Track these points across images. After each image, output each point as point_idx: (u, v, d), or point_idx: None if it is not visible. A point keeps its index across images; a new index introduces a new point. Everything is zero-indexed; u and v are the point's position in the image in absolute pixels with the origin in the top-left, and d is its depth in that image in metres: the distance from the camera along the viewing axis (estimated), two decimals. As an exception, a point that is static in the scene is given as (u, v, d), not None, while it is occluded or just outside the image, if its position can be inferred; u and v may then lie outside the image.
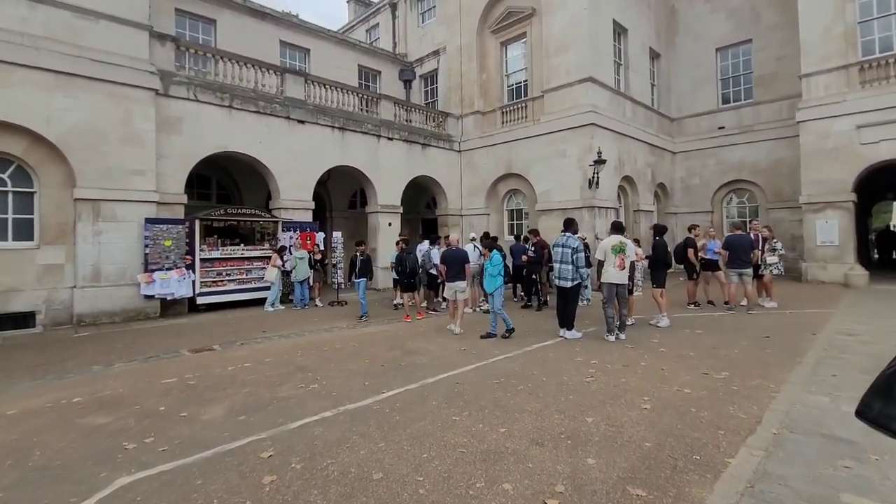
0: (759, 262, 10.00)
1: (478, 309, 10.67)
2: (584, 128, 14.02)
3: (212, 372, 6.02)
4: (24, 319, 9.04)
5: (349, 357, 6.64)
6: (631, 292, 8.11)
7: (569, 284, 7.42)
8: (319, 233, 13.38)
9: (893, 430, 1.30)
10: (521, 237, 12.47)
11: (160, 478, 3.25)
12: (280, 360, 6.54)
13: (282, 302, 11.92)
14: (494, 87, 17.32)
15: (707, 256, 10.25)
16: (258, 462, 3.44)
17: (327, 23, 21.60)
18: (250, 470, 3.32)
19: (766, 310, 9.73)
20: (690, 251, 9.91)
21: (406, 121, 16.59)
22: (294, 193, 13.12)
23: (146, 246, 10.24)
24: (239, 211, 12.58)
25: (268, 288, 11.75)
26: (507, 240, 15.75)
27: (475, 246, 10.52)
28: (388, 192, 15.57)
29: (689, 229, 10.58)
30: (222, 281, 11.78)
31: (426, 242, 11.55)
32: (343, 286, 12.99)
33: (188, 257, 10.89)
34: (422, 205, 20.52)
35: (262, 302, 11.75)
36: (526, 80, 16.35)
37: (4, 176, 9.11)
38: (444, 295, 10.14)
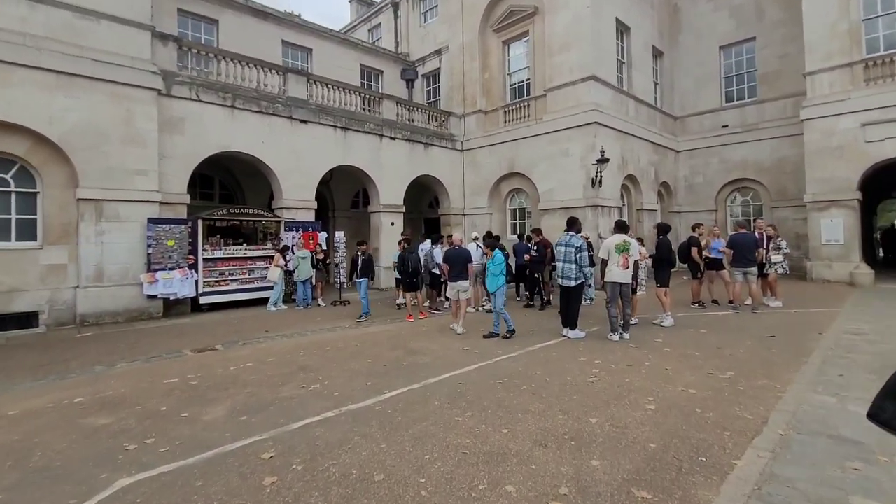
0: (764, 261, 9.92)
1: (480, 308, 10.64)
2: (587, 126, 13.96)
3: (214, 372, 6.01)
4: (27, 319, 9.06)
5: (351, 357, 6.62)
6: (634, 291, 8.05)
7: (572, 284, 7.38)
8: (322, 232, 13.37)
9: None
10: (525, 236, 12.42)
11: (160, 479, 3.23)
12: (282, 360, 6.52)
13: (284, 302, 11.91)
14: (497, 86, 17.27)
15: (711, 255, 10.19)
16: (259, 463, 3.41)
17: (329, 23, 21.62)
18: (251, 471, 3.30)
19: (770, 309, 9.66)
20: (694, 250, 9.84)
21: (408, 120, 16.56)
22: (296, 193, 13.12)
23: (149, 246, 10.24)
24: (241, 211, 12.58)
25: (270, 288, 11.75)
26: (509, 239, 15.71)
27: (478, 245, 10.49)
28: (390, 191, 15.55)
29: (693, 228, 10.51)
30: (225, 281, 11.78)
31: (428, 242, 11.52)
32: (345, 286, 12.97)
33: (191, 257, 10.89)
34: (424, 204, 20.49)
35: (264, 302, 11.75)
36: (528, 79, 16.29)
37: (7, 176, 9.12)
38: (447, 294, 10.11)
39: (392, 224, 15.51)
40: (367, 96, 15.59)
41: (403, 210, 16.08)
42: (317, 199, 13.83)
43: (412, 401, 4.69)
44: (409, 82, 20.50)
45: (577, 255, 7.30)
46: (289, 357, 6.71)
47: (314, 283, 12.21)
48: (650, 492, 2.92)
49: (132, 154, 10.07)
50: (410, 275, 9.86)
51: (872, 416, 1.33)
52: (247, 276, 12.14)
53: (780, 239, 10.28)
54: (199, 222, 11.27)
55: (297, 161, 13.04)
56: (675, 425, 3.93)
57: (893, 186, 19.43)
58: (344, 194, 18.54)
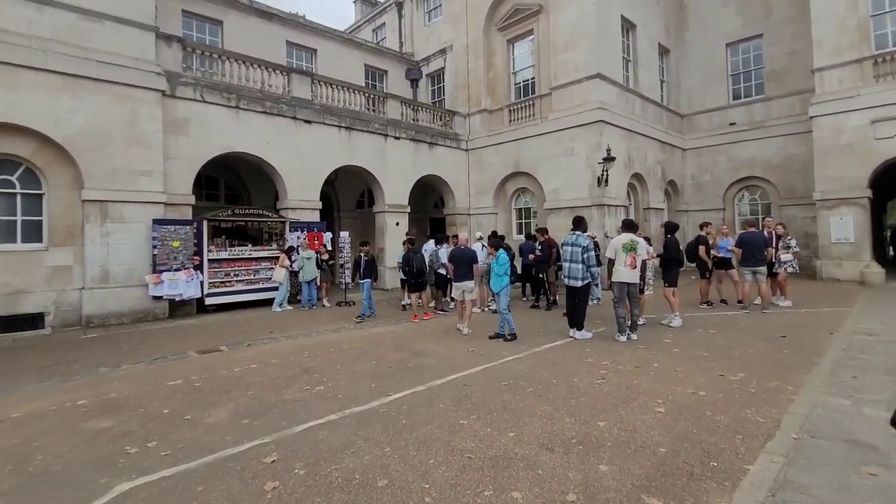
0: (774, 260, 9.78)
1: (486, 309, 10.57)
2: (593, 125, 13.84)
3: (218, 373, 5.97)
4: (33, 321, 9.08)
5: (356, 358, 6.56)
6: (642, 291, 7.95)
7: (579, 284, 7.28)
8: (327, 233, 13.34)
9: None
10: (530, 236, 12.33)
11: (161, 484, 3.18)
12: (286, 362, 6.48)
13: (289, 302, 11.89)
14: (501, 85, 17.18)
15: (720, 254, 10.05)
16: (261, 468, 3.36)
17: (334, 23, 21.59)
18: (253, 476, 3.24)
19: (780, 309, 9.51)
20: (701, 248, 9.71)
21: (413, 120, 16.50)
22: (301, 193, 13.09)
23: (154, 247, 10.24)
24: (246, 211, 12.57)
25: (276, 288, 11.73)
26: (515, 239, 15.63)
27: (483, 245, 10.41)
28: (395, 191, 15.50)
29: (701, 227, 10.38)
30: (230, 281, 11.77)
31: (431, 242, 11.47)
32: (350, 287, 12.93)
33: (196, 258, 10.89)
34: (430, 204, 20.43)
35: (270, 302, 11.73)
36: (533, 78, 16.19)
37: (13, 178, 9.15)
38: (452, 295, 10.04)
39: (397, 224, 15.46)
40: (372, 96, 15.55)
41: (408, 210, 16.03)
42: (321, 199, 13.80)
43: (416, 403, 4.62)
44: (414, 82, 20.45)
45: (584, 255, 7.20)
46: (293, 358, 6.67)
47: (319, 283, 12.18)
48: (661, 498, 2.84)
49: (137, 155, 10.08)
50: (415, 275, 9.80)
51: None
52: (252, 276, 12.13)
53: (789, 238, 10.13)
54: (205, 223, 11.27)
55: (301, 161, 13.02)
56: (686, 429, 3.84)
57: (904, 184, 19.14)
58: (349, 194, 18.52)
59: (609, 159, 13.18)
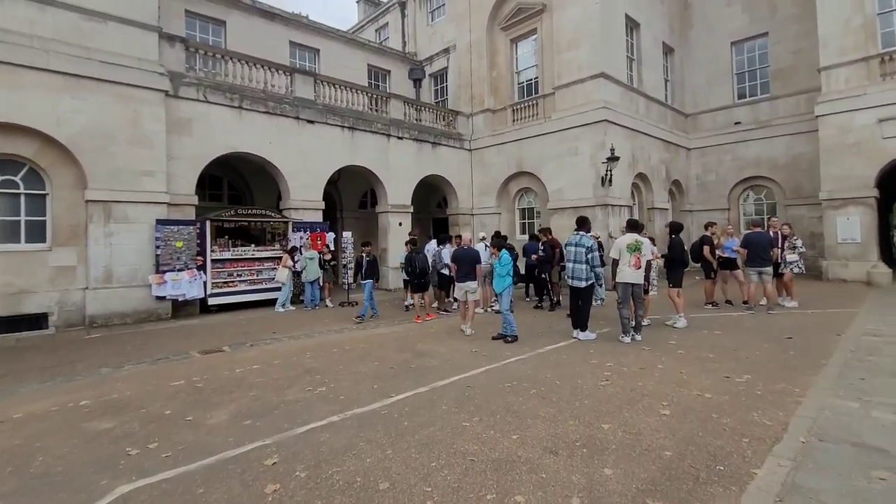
0: (780, 261, 9.70)
1: (489, 309, 10.52)
2: (597, 124, 13.77)
3: (220, 374, 5.96)
4: (36, 321, 9.09)
5: (358, 359, 6.54)
6: (646, 292, 7.89)
7: (583, 284, 7.23)
8: (330, 233, 13.33)
9: None
10: (534, 236, 12.27)
11: (161, 486, 3.16)
12: (288, 362, 6.45)
13: (292, 302, 11.88)
14: (505, 85, 17.13)
15: (725, 255, 9.97)
16: (262, 470, 3.33)
17: (337, 23, 21.57)
18: (253, 478, 3.22)
19: (786, 309, 9.43)
20: (706, 248, 9.63)
21: (416, 120, 16.47)
22: (304, 194, 13.08)
23: (157, 247, 10.25)
24: (249, 211, 12.57)
25: (278, 288, 11.72)
26: (518, 239, 15.58)
27: (486, 245, 10.37)
28: (398, 191, 15.47)
29: (706, 227, 10.31)
30: (233, 282, 11.77)
31: (433, 242, 11.44)
32: (352, 287, 12.91)
33: (199, 258, 10.89)
34: (433, 204, 20.40)
35: (272, 302, 11.72)
36: (536, 77, 16.13)
37: (17, 178, 9.17)
38: (455, 295, 10.00)
39: (400, 224, 15.43)
40: (375, 96, 15.53)
41: (411, 210, 16.00)
42: (324, 199, 13.79)
43: (419, 405, 4.59)
44: (417, 82, 20.41)
45: (589, 256, 7.14)
46: (295, 359, 6.65)
47: (322, 284, 12.17)
48: (666, 503, 2.79)
49: (140, 155, 10.08)
50: (418, 275, 9.76)
51: None
52: (255, 276, 12.13)
53: (795, 238, 10.03)
54: (208, 223, 11.27)
55: (304, 161, 13.01)
56: (691, 432, 3.79)
57: (912, 183, 18.97)
58: (352, 195, 18.51)
59: (613, 159, 13.12)
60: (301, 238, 12.50)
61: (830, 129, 13.50)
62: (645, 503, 2.80)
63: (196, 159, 11.15)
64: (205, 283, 10.99)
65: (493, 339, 7.49)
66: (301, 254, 11.92)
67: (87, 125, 9.44)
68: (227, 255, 11.73)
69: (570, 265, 7.39)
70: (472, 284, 8.22)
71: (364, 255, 10.69)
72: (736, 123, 17.44)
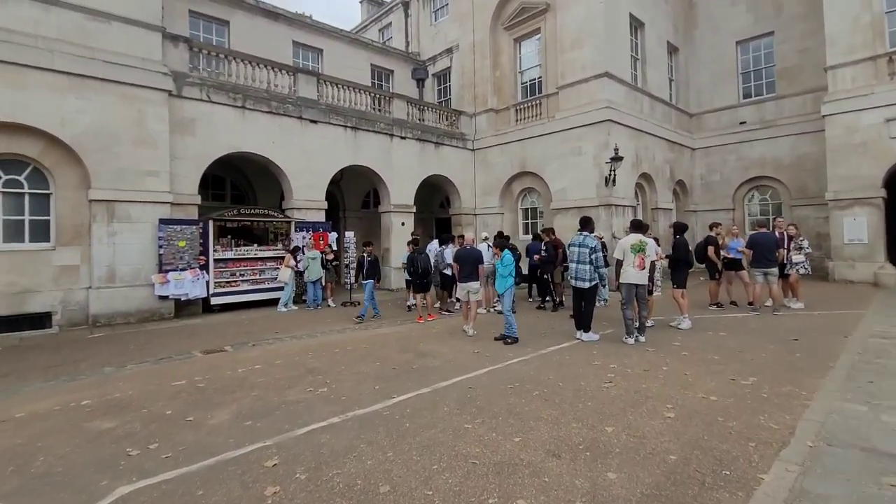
0: (785, 262, 9.61)
1: (492, 310, 10.48)
2: (601, 124, 13.70)
3: (222, 374, 5.95)
4: (40, 320, 9.12)
5: (360, 359, 6.51)
6: (650, 293, 7.82)
7: (586, 285, 7.17)
8: (332, 233, 13.32)
9: None
10: (537, 236, 12.22)
11: (161, 487, 3.14)
12: (290, 362, 6.44)
13: (295, 302, 11.87)
14: (508, 85, 17.08)
15: (730, 255, 9.89)
16: (262, 472, 3.31)
17: (340, 23, 21.56)
18: (253, 480, 3.19)
19: (792, 311, 9.34)
20: (710, 249, 9.56)
21: (419, 119, 16.45)
22: (307, 193, 13.08)
23: (160, 247, 10.26)
24: (252, 211, 12.57)
25: (281, 288, 11.72)
26: (521, 239, 15.53)
27: (488, 245, 10.33)
28: (401, 191, 15.45)
29: (711, 227, 10.24)
30: (236, 281, 11.77)
31: (435, 242, 11.40)
32: (355, 287, 12.90)
33: (202, 258, 10.89)
34: (435, 204, 20.37)
35: (275, 302, 11.72)
36: (540, 77, 16.07)
37: (21, 178, 9.19)
38: (457, 295, 9.96)
39: (403, 224, 15.40)
40: (378, 96, 15.51)
41: (414, 210, 15.98)
42: (327, 199, 13.77)
43: (421, 406, 4.55)
44: (420, 81, 20.39)
45: (592, 256, 7.09)
46: (297, 359, 6.63)
47: (324, 283, 12.16)
48: (671, 508, 2.75)
49: (143, 155, 10.10)
50: (420, 276, 9.73)
51: None
52: (257, 276, 12.13)
53: (801, 238, 9.95)
54: (210, 223, 11.28)
55: (307, 161, 13.00)
56: (697, 435, 3.74)
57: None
58: (354, 194, 18.50)
59: (617, 159, 13.05)
60: (304, 238, 12.49)
61: (837, 129, 13.38)
62: (649, 508, 2.76)
63: (199, 159, 11.16)
64: (207, 282, 10.99)
65: (496, 339, 7.45)
66: (303, 254, 11.91)
67: (91, 125, 9.46)
68: (229, 254, 11.73)
69: (573, 266, 7.34)
70: (474, 285, 8.18)
71: (365, 254, 10.67)
72: (741, 123, 17.33)
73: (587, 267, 7.13)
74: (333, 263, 12.84)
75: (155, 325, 9.66)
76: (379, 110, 15.27)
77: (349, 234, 13.56)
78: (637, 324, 7.18)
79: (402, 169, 15.43)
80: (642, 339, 7.10)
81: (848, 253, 13.19)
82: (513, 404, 4.53)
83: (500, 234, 11.73)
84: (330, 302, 12.23)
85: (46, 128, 9.03)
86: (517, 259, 8.32)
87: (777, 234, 9.81)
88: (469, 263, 8.20)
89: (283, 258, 11.92)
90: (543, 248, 10.66)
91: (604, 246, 9.67)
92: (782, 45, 16.40)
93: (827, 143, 13.62)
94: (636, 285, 7.13)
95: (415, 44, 21.39)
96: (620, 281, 7.26)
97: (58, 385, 5.72)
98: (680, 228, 8.54)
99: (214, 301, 11.19)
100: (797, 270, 9.67)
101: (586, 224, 7.47)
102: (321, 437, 3.89)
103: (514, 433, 3.85)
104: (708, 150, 18.22)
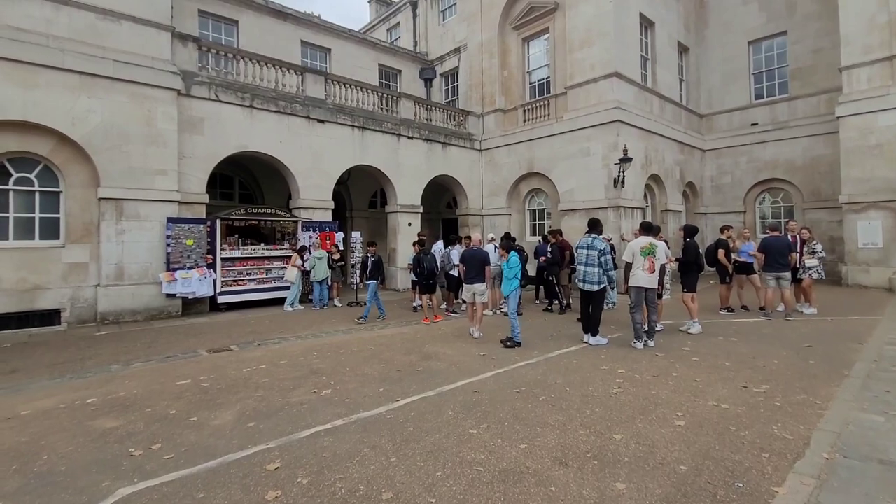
0: (798, 266, 9.44)
1: (498, 311, 10.40)
2: (610, 125, 13.57)
3: (226, 374, 5.93)
4: (49, 317, 9.19)
5: (365, 361, 6.47)
6: (660, 297, 7.71)
7: (595, 288, 7.08)
8: (339, 233, 13.30)
9: None
10: (546, 237, 12.13)
11: (162, 489, 3.11)
12: (295, 363, 6.41)
13: (301, 302, 11.87)
14: (516, 85, 16.98)
15: (741, 259, 9.73)
16: (264, 475, 3.27)
17: (348, 23, 21.60)
18: (255, 483, 3.15)
19: (805, 316, 9.17)
20: (721, 252, 9.41)
21: (426, 119, 16.40)
22: (314, 193, 13.07)
23: (168, 245, 10.30)
24: (259, 210, 12.59)
25: (287, 287, 11.72)
26: (528, 240, 15.44)
27: (495, 247, 10.25)
28: (407, 191, 15.41)
29: (722, 230, 10.07)
30: (243, 280, 11.80)
31: (440, 243, 11.34)
32: (360, 287, 12.87)
33: (209, 256, 10.92)
34: (442, 204, 20.31)
35: (281, 301, 11.73)
36: (548, 77, 15.96)
37: (31, 176, 9.26)
38: (463, 296, 9.90)
39: (409, 224, 15.36)
40: (385, 95, 15.48)
41: (421, 210, 15.93)
42: (334, 199, 13.77)
43: (425, 410, 4.49)
44: (428, 81, 20.34)
45: (601, 259, 6.99)
46: (302, 359, 6.60)
47: (330, 283, 12.15)
48: (682, 521, 2.67)
49: (152, 154, 10.14)
50: (426, 276, 9.68)
51: None
52: (264, 275, 12.15)
53: (815, 242, 9.76)
54: (218, 222, 11.31)
55: (314, 161, 13.00)
56: (708, 444, 3.64)
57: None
58: (361, 194, 18.49)
59: (626, 160, 12.91)
60: (310, 237, 12.50)
61: (851, 131, 13.17)
62: (659, 520, 2.68)
63: (207, 158, 11.19)
64: (214, 281, 11.02)
65: (502, 342, 7.37)
66: (310, 253, 11.91)
67: (100, 124, 9.51)
68: (236, 253, 11.76)
69: (581, 268, 7.24)
70: (480, 286, 8.10)
71: (369, 255, 10.63)
72: (753, 125, 17.10)
73: (596, 270, 7.03)
74: (339, 263, 12.82)
75: (162, 324, 9.69)
76: (386, 110, 15.25)
77: (356, 234, 13.55)
78: (646, 328, 7.07)
79: (409, 169, 15.39)
80: (651, 343, 6.99)
81: (862, 257, 12.96)
82: (519, 409, 4.46)
83: (506, 236, 11.64)
84: (336, 302, 12.22)
85: (57, 126, 9.09)
86: (524, 261, 8.25)
87: (790, 237, 9.64)
88: (475, 265, 8.12)
89: (289, 258, 11.92)
90: (549, 249, 10.56)
91: (612, 248, 9.54)
92: (795, 45, 16.15)
93: (841, 144, 13.40)
94: (646, 289, 7.03)
95: (423, 43, 21.34)
96: (630, 284, 7.15)
97: (64, 382, 5.73)
98: (690, 231, 8.41)
99: (221, 300, 11.22)
100: (810, 275, 9.49)
101: (595, 226, 7.37)
102: (324, 440, 3.84)
103: (519, 439, 3.78)
104: (719, 151, 18.00)
